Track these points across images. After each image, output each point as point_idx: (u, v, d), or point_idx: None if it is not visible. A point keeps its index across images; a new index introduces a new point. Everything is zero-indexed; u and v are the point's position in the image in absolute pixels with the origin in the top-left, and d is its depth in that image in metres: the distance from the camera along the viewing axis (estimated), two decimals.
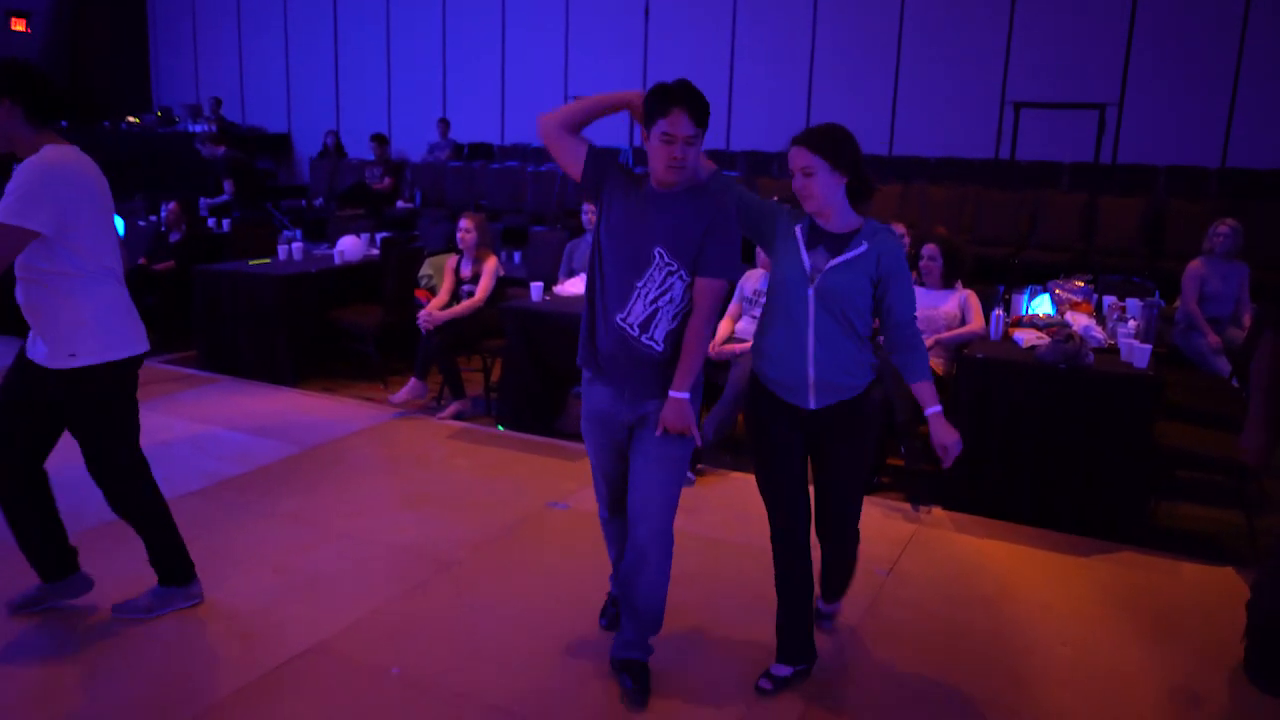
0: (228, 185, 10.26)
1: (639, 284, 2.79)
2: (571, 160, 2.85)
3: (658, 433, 2.80)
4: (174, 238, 7.52)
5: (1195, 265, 6.32)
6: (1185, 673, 3.22)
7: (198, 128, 13.45)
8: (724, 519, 4.38)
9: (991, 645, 3.36)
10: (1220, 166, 9.69)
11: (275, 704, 2.90)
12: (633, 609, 2.95)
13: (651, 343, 2.81)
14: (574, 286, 5.95)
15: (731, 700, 2.96)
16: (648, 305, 2.79)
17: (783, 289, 2.83)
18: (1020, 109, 10.35)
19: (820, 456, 2.93)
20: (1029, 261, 8.27)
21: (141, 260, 7.39)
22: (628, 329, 2.81)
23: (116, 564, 3.62)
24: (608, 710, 2.91)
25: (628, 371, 2.84)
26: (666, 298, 2.79)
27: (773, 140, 11.44)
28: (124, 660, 3.11)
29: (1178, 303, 6.37)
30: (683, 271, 2.78)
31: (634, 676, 2.95)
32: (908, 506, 4.59)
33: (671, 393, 2.78)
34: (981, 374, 4.42)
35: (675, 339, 2.81)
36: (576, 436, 5.47)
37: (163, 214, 7.75)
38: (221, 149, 10.92)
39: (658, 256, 2.77)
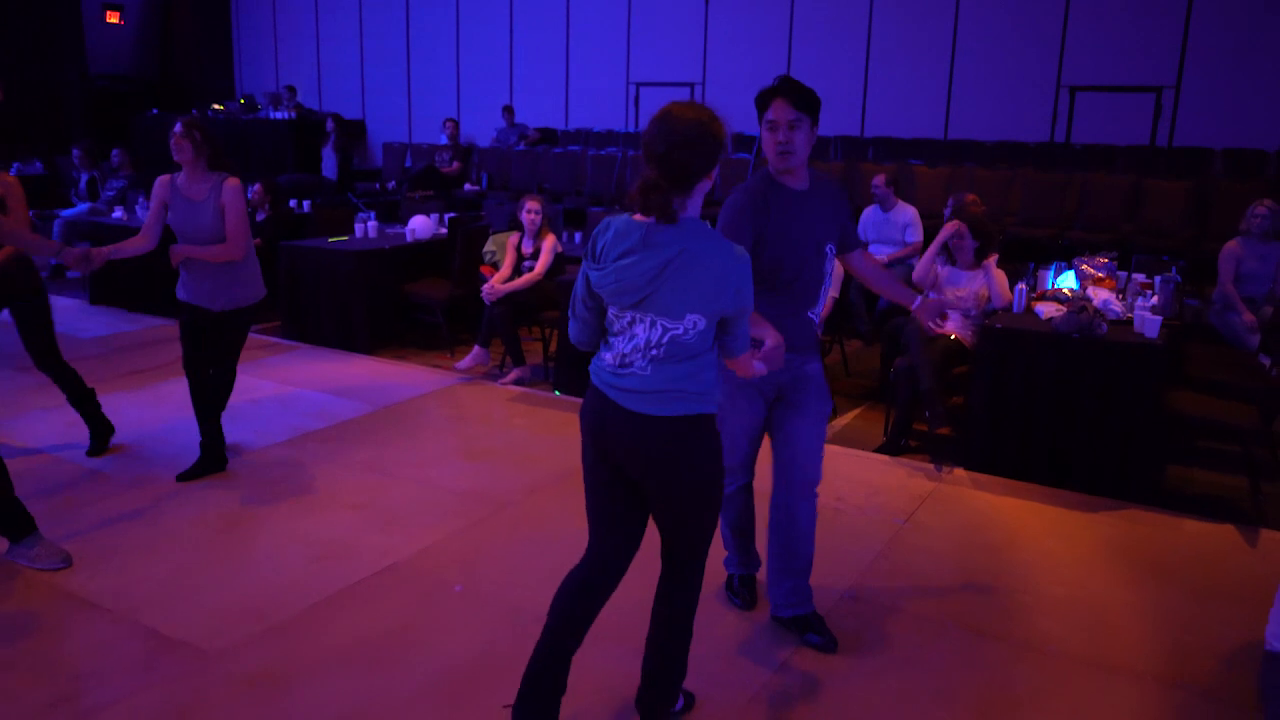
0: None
1: (823, 281, 3.14)
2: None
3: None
4: (260, 216, 8.11)
5: (1232, 245, 6.46)
6: (1169, 608, 3.52)
7: (278, 114, 14.15)
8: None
9: (991, 584, 3.70)
10: (1279, 149, 9.68)
11: (350, 613, 3.38)
12: (792, 564, 3.21)
13: (815, 317, 3.18)
14: None
15: (734, 614, 3.37)
16: (824, 295, 3.20)
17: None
18: (1076, 92, 10.44)
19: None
20: (1073, 242, 8.43)
21: None
22: (815, 318, 3.17)
23: None
24: (644, 621, 3.32)
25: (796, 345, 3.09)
26: (829, 281, 3.19)
27: (829, 125, 11.69)
28: (223, 570, 3.64)
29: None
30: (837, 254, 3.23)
31: (816, 630, 3.21)
32: (931, 467, 4.91)
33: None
34: (1002, 343, 4.71)
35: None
36: None
37: (249, 195, 8.35)
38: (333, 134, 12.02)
39: (829, 252, 3.14)
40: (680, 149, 2.25)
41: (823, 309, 3.21)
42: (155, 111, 14.89)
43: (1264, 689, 3.05)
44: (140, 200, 8.74)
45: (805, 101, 2.96)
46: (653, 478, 2.42)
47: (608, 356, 2.43)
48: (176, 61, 16.76)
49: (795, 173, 3.05)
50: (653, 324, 2.34)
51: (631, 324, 2.37)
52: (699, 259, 2.27)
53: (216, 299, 4.39)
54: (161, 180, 4.41)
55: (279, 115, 14.09)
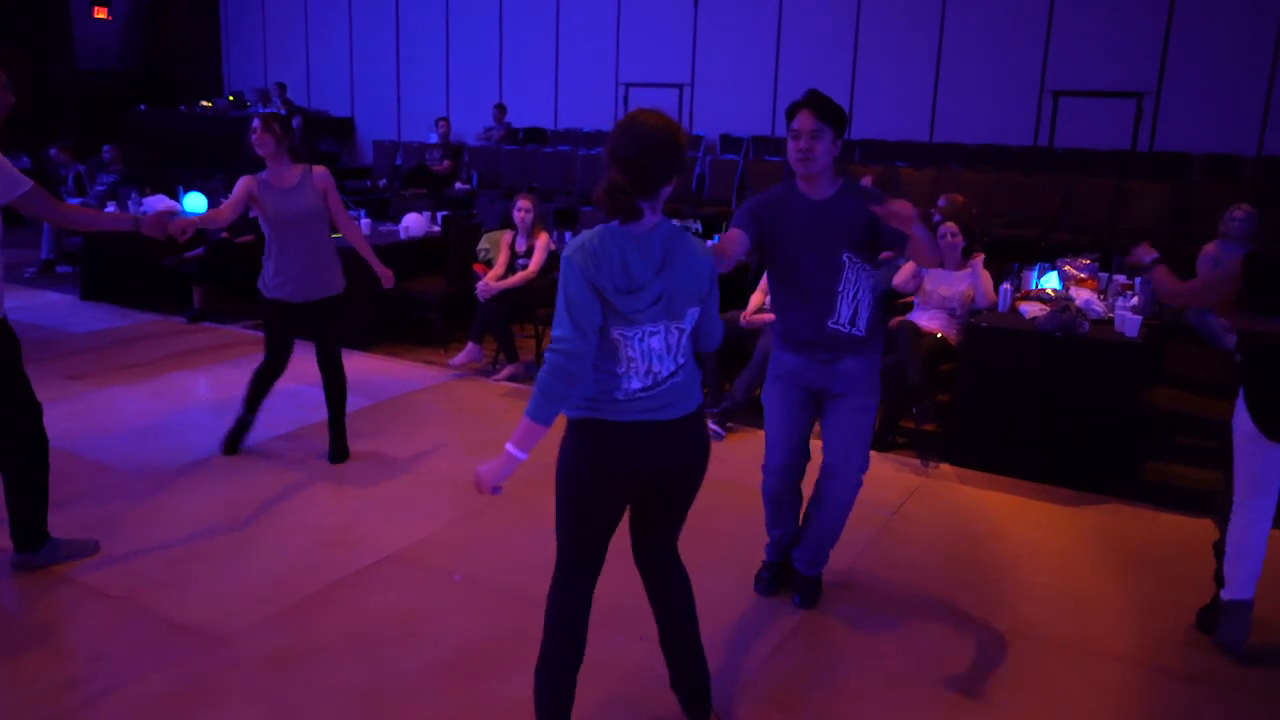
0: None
1: (839, 289, 3.19)
2: (739, 252, 3.16)
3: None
4: (253, 213, 8.13)
5: (1210, 248, 6.62)
6: (1145, 595, 3.66)
7: (267, 110, 14.18)
8: (748, 468, 4.87)
9: (975, 572, 3.82)
10: (1256, 154, 9.88)
11: (356, 598, 3.47)
12: (808, 531, 3.48)
13: (839, 327, 3.22)
14: None
15: (734, 599, 3.48)
16: (850, 304, 3.21)
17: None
18: (1059, 97, 10.62)
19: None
20: (1056, 244, 8.59)
21: (224, 234, 8.04)
22: (840, 329, 3.22)
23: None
24: (640, 615, 3.42)
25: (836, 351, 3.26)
26: (858, 291, 3.21)
27: None
28: (224, 562, 3.72)
29: None
30: (868, 266, 3.22)
31: (800, 590, 3.52)
32: (919, 462, 5.03)
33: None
34: (987, 342, 4.84)
35: (874, 322, 3.28)
36: None
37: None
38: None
39: (846, 260, 3.17)
40: (650, 153, 2.29)
41: (849, 316, 3.23)
42: (143, 107, 14.88)
43: (1224, 637, 3.24)
44: (133, 195, 8.77)
45: (828, 113, 3.12)
46: (692, 472, 2.53)
47: (634, 384, 2.37)
48: (164, 57, 16.75)
49: (816, 180, 3.19)
50: (667, 331, 2.39)
51: (644, 340, 2.35)
52: (679, 256, 2.38)
53: (305, 289, 4.63)
54: (245, 179, 4.58)
55: (268, 111, 14.10)
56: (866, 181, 7.72)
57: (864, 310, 3.25)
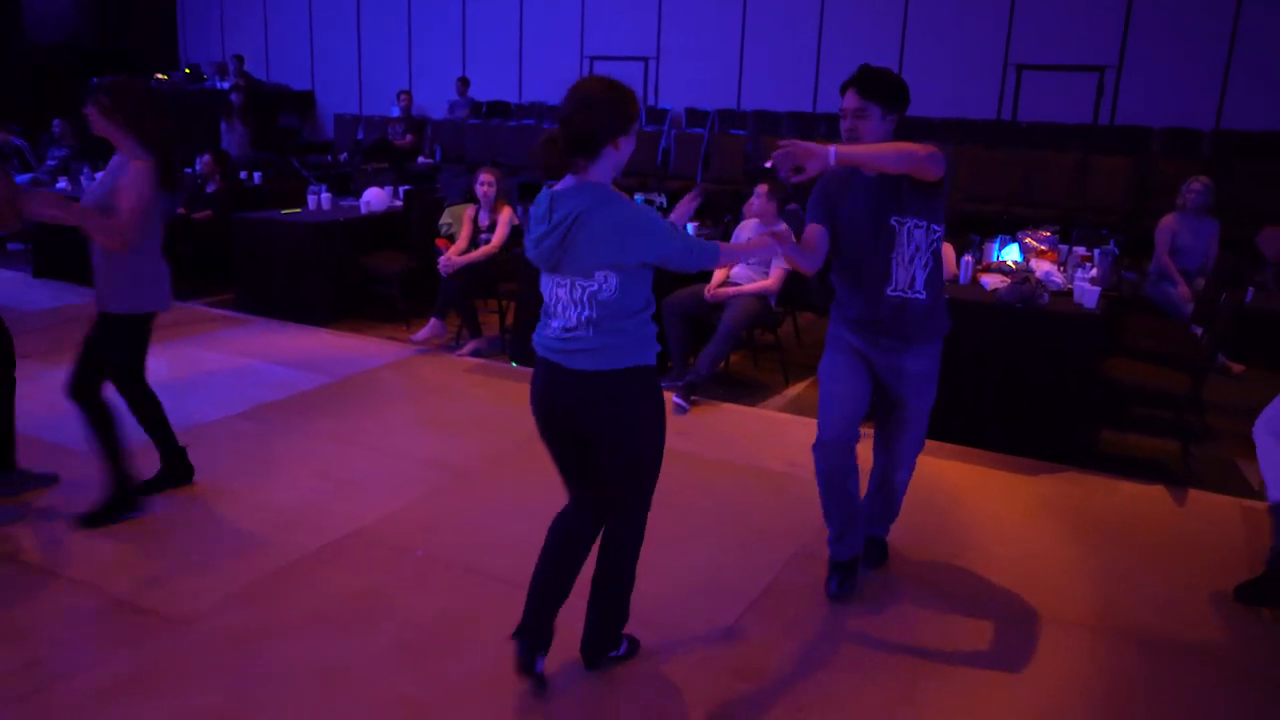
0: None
1: (892, 256, 3.10)
2: (823, 246, 3.17)
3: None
4: (210, 189, 8.01)
5: (1168, 220, 6.71)
6: (1102, 563, 3.71)
7: (224, 84, 13.89)
8: (712, 441, 4.88)
9: (936, 543, 3.86)
10: (1214, 128, 10.00)
11: (316, 577, 3.44)
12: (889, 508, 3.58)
13: (897, 294, 3.13)
14: None
15: (697, 570, 3.49)
16: (907, 267, 3.10)
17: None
18: (1023, 71, 10.67)
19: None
20: (1017, 218, 8.65)
21: (181, 210, 7.90)
22: (897, 294, 3.12)
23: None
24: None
25: (901, 337, 3.19)
26: (915, 253, 3.11)
27: (781, 100, 11.84)
28: (183, 542, 3.67)
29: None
30: (928, 222, 3.09)
31: (834, 574, 3.44)
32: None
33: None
34: (949, 314, 4.85)
35: (933, 284, 3.17)
36: None
37: (198, 167, 8.23)
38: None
39: (895, 225, 3.08)
40: (581, 111, 2.40)
41: (905, 282, 3.12)
42: (96, 81, 14.50)
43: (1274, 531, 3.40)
44: (85, 170, 8.58)
45: (872, 89, 3.05)
46: (598, 429, 2.58)
47: (554, 324, 2.57)
48: (118, 29, 16.34)
49: None
50: (572, 285, 2.49)
51: (555, 288, 2.53)
52: (591, 218, 2.40)
53: (97, 293, 3.75)
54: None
55: (225, 85, 13.81)
56: None
57: (919, 272, 3.12)
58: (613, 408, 2.55)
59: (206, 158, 8.05)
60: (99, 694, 2.75)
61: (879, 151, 2.92)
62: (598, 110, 2.40)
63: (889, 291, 3.13)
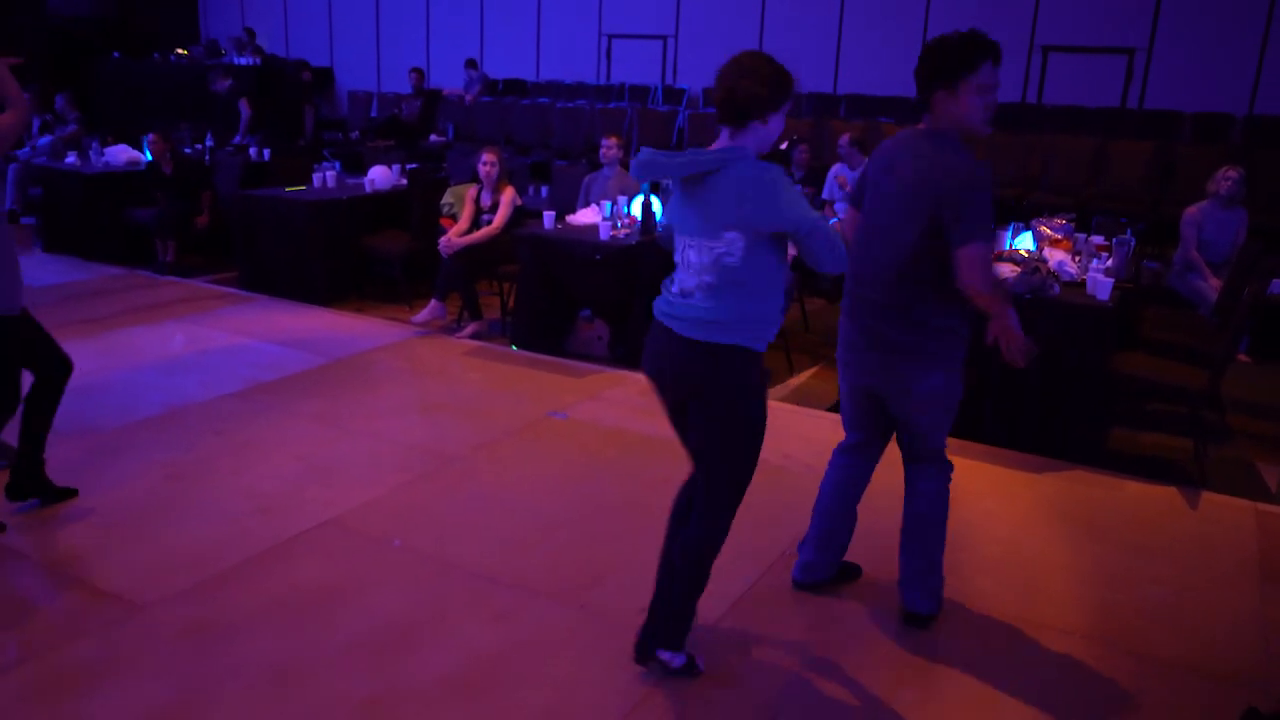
0: (242, 106, 10.65)
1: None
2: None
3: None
4: (167, 170, 7.67)
5: (1193, 211, 6.47)
6: (1099, 567, 3.55)
7: (243, 60, 13.82)
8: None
9: None
10: (1248, 113, 9.68)
11: (286, 566, 3.36)
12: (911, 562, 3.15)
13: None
14: (586, 215, 6.29)
15: None
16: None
17: None
18: (1049, 53, 10.39)
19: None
20: (1036, 203, 8.43)
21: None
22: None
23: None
24: (580, 583, 3.32)
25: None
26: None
27: (802, 81, 11.56)
28: (161, 522, 3.60)
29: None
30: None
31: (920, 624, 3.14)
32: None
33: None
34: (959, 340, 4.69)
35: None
36: (583, 356, 5.91)
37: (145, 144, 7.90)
38: (229, 81, 11.23)
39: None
40: (737, 81, 2.41)
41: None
42: (116, 55, 14.51)
43: None
44: (94, 145, 8.53)
45: (928, 66, 2.74)
46: (690, 395, 2.56)
47: (674, 288, 2.57)
48: (139, 4, 16.30)
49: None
50: (700, 248, 2.47)
51: (686, 248, 2.52)
52: (731, 179, 2.41)
53: None
54: None
55: (243, 61, 13.75)
56: (844, 141, 7.56)
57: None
58: (706, 383, 2.51)
59: (152, 136, 7.65)
60: (47, 682, 2.69)
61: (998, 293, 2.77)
62: (746, 81, 2.41)
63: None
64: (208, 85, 11.36)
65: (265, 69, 13.41)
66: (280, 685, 2.72)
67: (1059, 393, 4.51)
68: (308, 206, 6.82)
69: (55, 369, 3.58)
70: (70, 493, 3.75)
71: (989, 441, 4.66)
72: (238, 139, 10.16)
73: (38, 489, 3.65)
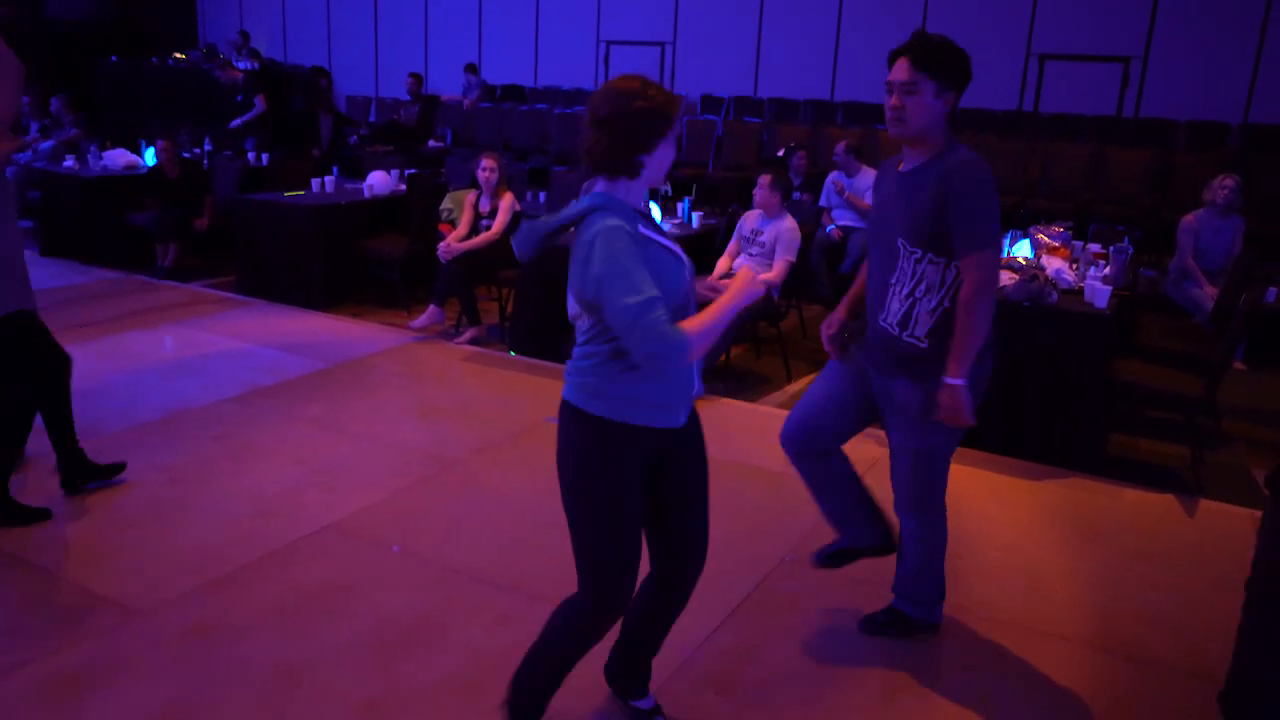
0: (259, 100, 10.53)
1: (892, 280, 2.65)
2: None
3: (932, 417, 2.62)
4: (174, 176, 7.66)
5: (1189, 219, 6.50)
6: (1100, 574, 3.57)
7: (241, 64, 13.80)
8: (709, 438, 4.76)
9: None
10: (1243, 122, 9.73)
11: (287, 570, 3.36)
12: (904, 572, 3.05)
13: (889, 326, 2.67)
14: None
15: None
16: (903, 301, 2.65)
17: None
18: (1045, 61, 10.43)
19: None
20: (1032, 210, 8.46)
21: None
22: (888, 329, 2.69)
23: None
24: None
25: (889, 366, 2.73)
26: (922, 288, 2.60)
27: (799, 89, 11.63)
28: (155, 530, 3.59)
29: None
30: (931, 255, 2.56)
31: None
32: (881, 434, 4.92)
33: (945, 379, 2.53)
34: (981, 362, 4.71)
35: (941, 332, 2.60)
36: None
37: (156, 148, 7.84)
38: (239, 76, 11.12)
39: (902, 248, 2.60)
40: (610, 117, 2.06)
41: (900, 316, 2.67)
42: (115, 59, 14.50)
43: None
44: (93, 149, 8.53)
45: (928, 59, 2.49)
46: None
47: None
48: (137, 7, 16.31)
49: (912, 148, 2.61)
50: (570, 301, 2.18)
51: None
52: (577, 241, 2.08)
53: None
54: None
55: (242, 65, 13.73)
56: (840, 149, 7.59)
57: (922, 315, 2.62)
58: (562, 442, 2.21)
59: (161, 143, 7.63)
60: (47, 686, 2.68)
61: (971, 343, 2.52)
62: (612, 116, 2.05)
63: (880, 320, 2.74)
64: (213, 76, 11.23)
65: (275, 74, 13.36)
66: (281, 687, 2.72)
67: (1058, 400, 4.53)
68: (307, 211, 6.83)
69: (52, 366, 3.65)
70: (119, 467, 3.93)
71: (988, 448, 4.67)
72: (236, 123, 10.04)
73: (87, 474, 3.83)
